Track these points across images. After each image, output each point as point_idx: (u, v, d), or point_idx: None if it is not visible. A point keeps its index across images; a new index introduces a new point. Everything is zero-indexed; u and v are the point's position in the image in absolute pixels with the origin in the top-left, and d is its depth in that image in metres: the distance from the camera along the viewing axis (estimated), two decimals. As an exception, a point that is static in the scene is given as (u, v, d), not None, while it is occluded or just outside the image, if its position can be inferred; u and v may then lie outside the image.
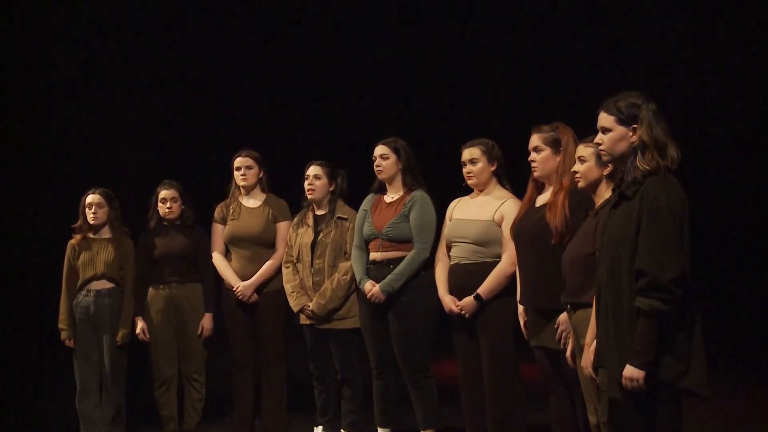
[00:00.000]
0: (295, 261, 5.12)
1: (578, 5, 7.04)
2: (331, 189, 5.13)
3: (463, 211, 4.62)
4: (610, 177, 3.56)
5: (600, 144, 3.15)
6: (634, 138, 3.06)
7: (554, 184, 4.04)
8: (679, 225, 2.95)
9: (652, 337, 2.91)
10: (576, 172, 3.69)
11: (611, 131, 3.11)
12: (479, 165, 4.55)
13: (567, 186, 3.94)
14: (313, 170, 5.11)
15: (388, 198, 4.89)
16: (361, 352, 5.00)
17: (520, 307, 4.21)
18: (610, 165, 3.50)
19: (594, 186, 3.67)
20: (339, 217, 5.06)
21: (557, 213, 3.92)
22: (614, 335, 3.04)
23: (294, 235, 5.15)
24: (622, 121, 3.09)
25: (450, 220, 4.67)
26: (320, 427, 5.16)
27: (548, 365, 4.05)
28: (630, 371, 2.94)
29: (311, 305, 4.98)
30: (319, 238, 5.05)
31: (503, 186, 4.61)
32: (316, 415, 5.18)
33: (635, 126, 3.06)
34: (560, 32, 7.12)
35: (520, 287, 4.19)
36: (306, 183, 5.10)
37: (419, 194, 4.79)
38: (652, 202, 2.95)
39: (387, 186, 4.91)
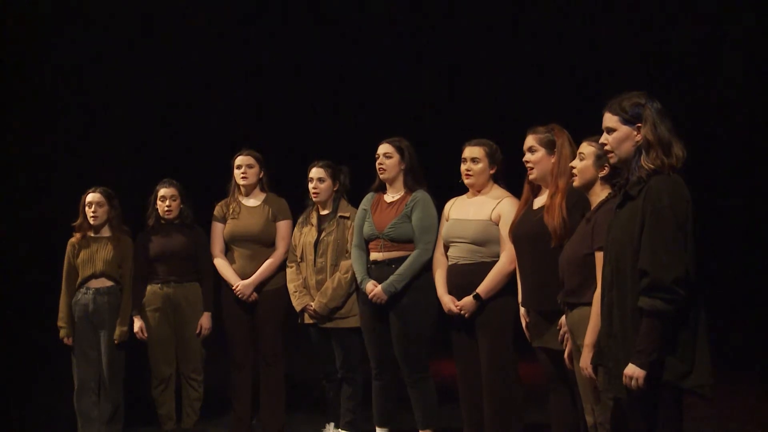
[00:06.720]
0: (298, 260, 5.12)
1: (578, 5, 7.03)
2: (335, 189, 5.12)
3: (460, 211, 4.61)
4: (606, 179, 3.58)
5: (605, 144, 3.15)
6: (639, 137, 3.06)
7: (550, 186, 4.05)
8: (682, 225, 2.95)
9: (655, 336, 2.91)
10: (573, 168, 3.70)
11: (616, 131, 3.11)
12: (480, 165, 4.54)
13: (563, 188, 3.95)
14: (315, 173, 5.09)
15: (389, 197, 4.88)
16: (362, 352, 5.00)
17: (522, 309, 4.21)
18: (606, 167, 3.52)
19: (588, 186, 3.68)
20: (341, 216, 5.06)
21: (555, 215, 3.92)
22: (619, 334, 3.04)
23: (298, 235, 5.15)
24: (626, 121, 3.09)
25: (447, 220, 4.66)
26: (332, 424, 5.18)
27: (551, 366, 4.05)
28: (631, 370, 2.94)
29: (313, 304, 4.99)
30: (322, 236, 5.04)
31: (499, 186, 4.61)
32: (328, 414, 5.20)
33: (640, 125, 3.06)
34: (560, 33, 7.12)
35: (521, 289, 4.19)
36: (311, 186, 5.09)
37: (421, 194, 4.78)
38: (656, 202, 2.95)
39: (387, 185, 4.90)
